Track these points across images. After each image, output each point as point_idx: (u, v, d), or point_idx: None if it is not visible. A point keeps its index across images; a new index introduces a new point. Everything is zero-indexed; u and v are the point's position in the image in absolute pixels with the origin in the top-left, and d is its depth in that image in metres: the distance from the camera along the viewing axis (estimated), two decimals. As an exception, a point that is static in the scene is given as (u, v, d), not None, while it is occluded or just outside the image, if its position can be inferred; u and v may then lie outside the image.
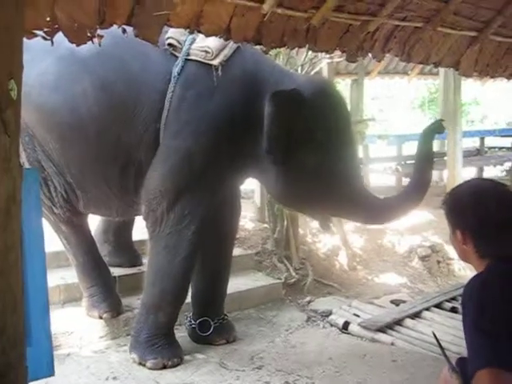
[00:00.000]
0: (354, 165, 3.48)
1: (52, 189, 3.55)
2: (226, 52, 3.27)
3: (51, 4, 2.00)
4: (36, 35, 2.00)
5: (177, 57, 3.29)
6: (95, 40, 2.18)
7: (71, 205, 3.63)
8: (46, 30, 2.03)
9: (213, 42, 3.19)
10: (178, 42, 3.28)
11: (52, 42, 2.07)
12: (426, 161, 3.36)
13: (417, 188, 3.38)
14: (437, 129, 3.34)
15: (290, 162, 3.25)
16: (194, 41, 3.30)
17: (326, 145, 3.25)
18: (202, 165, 3.28)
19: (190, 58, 3.28)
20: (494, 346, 1.57)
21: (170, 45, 3.27)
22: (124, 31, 2.61)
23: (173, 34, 3.25)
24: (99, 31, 2.16)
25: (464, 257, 1.86)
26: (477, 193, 1.83)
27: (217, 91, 3.26)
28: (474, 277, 1.74)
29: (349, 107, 6.91)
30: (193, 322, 3.74)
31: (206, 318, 3.71)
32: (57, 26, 2.05)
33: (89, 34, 2.16)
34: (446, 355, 1.91)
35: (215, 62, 3.24)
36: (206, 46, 3.25)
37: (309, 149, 3.23)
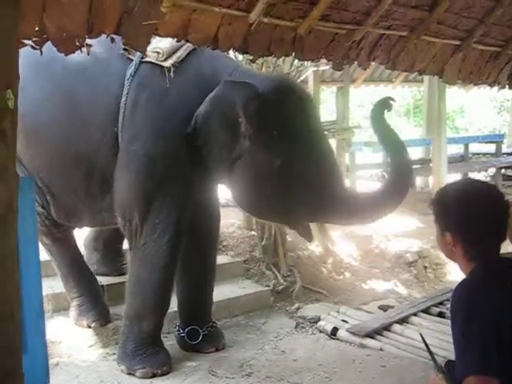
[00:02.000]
0: (328, 163, 3.19)
1: (35, 197, 3.54)
2: (180, 53, 3.21)
3: (40, 14, 2.01)
4: (25, 45, 2.01)
5: (132, 60, 3.26)
6: (84, 49, 2.20)
7: (47, 212, 3.61)
8: (34, 39, 2.04)
9: (165, 44, 3.13)
10: None
11: (41, 52, 2.09)
12: (392, 141, 3.12)
13: (398, 175, 3.09)
14: (384, 106, 3.07)
15: (248, 166, 3.11)
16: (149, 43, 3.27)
17: (290, 144, 3.05)
18: (163, 170, 3.21)
19: (144, 60, 3.23)
20: (481, 353, 1.58)
21: (125, 49, 3.20)
22: (112, 40, 2.63)
23: None
24: (88, 40, 2.17)
25: (450, 257, 1.87)
26: (465, 194, 1.81)
27: (170, 93, 3.19)
28: (462, 282, 1.74)
29: (334, 115, 6.98)
30: (181, 330, 3.73)
31: (195, 326, 3.69)
32: (45, 35, 2.06)
33: (77, 44, 2.17)
34: (432, 355, 1.92)
35: (167, 64, 3.18)
36: (157, 47, 3.17)
37: (269, 150, 3.06)
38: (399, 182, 3.10)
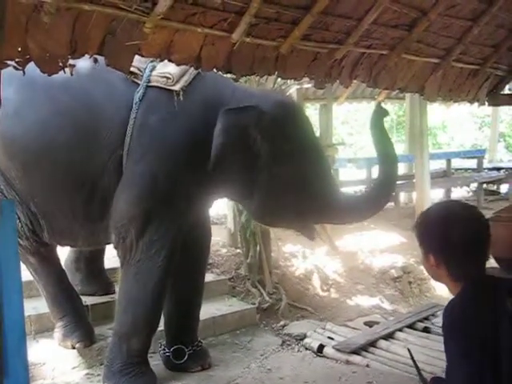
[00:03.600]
0: (328, 171, 3.58)
1: (16, 219, 3.50)
2: (187, 78, 3.30)
3: (23, 35, 2.02)
4: (7, 65, 2.02)
5: (138, 84, 3.31)
6: (67, 70, 2.21)
7: (37, 235, 3.58)
8: (17, 60, 2.04)
9: (173, 69, 3.22)
10: (139, 69, 3.30)
11: (24, 72, 2.09)
12: (386, 152, 3.40)
13: (384, 182, 3.45)
14: (381, 113, 3.34)
15: (266, 181, 3.30)
16: (154, 68, 3.33)
17: (294, 156, 3.30)
18: (167, 190, 3.27)
19: (150, 84, 3.30)
20: (475, 375, 1.59)
21: (130, 72, 3.25)
22: (95, 61, 2.65)
23: (134, 61, 3.26)
24: (70, 61, 2.19)
25: (438, 279, 1.87)
26: (445, 217, 1.82)
27: (178, 116, 3.28)
28: (452, 303, 1.75)
29: (318, 132, 7.04)
30: (167, 350, 3.70)
31: (180, 345, 3.67)
32: (28, 56, 2.07)
33: (60, 64, 2.18)
34: (419, 370, 1.93)
35: (176, 88, 3.26)
36: (167, 72, 3.27)
37: (276, 163, 3.27)
38: (384, 189, 3.48)
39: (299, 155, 3.32)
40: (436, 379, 1.87)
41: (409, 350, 2.24)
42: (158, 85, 3.29)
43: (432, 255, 1.80)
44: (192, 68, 3.03)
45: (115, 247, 3.41)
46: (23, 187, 3.42)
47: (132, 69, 3.25)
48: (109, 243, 3.55)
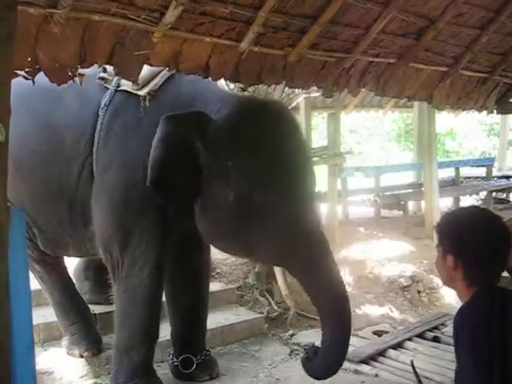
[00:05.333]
0: (300, 197, 2.77)
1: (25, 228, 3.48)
2: (157, 81, 3.08)
3: (33, 45, 2.04)
4: (17, 75, 2.04)
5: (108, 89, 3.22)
6: (76, 79, 2.23)
7: (35, 243, 3.58)
8: (27, 70, 2.06)
9: (142, 71, 2.85)
10: (109, 74, 3.17)
11: (33, 82, 2.11)
12: None
13: None
14: None
15: (208, 199, 2.87)
16: None
17: (250, 174, 2.74)
18: (138, 200, 3.06)
19: (119, 88, 3.17)
20: (485, 380, 1.60)
21: (101, 78, 3.19)
22: (104, 70, 2.66)
23: (109, 68, 3.08)
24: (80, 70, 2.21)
25: (449, 282, 1.87)
26: (474, 221, 1.84)
27: (144, 122, 3.06)
28: (464, 308, 1.76)
29: (326, 141, 7.03)
30: (175, 359, 3.67)
31: (188, 354, 3.63)
32: (38, 66, 2.09)
33: (70, 74, 2.20)
34: (420, 381, 1.93)
35: (142, 93, 3.08)
36: None
37: (225, 181, 2.76)
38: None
39: (256, 175, 2.73)
40: None
41: (412, 361, 2.23)
42: (126, 88, 3.15)
43: (451, 256, 1.80)
44: (164, 71, 2.94)
45: (105, 262, 3.31)
46: (14, 198, 3.34)
47: (103, 74, 3.19)
48: (98, 255, 3.38)
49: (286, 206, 2.71)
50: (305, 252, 2.73)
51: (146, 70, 2.79)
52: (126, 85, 3.11)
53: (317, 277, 2.74)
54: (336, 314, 2.74)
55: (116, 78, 3.12)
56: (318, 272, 2.74)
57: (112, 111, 3.16)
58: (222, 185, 2.78)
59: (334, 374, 2.73)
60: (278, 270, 2.56)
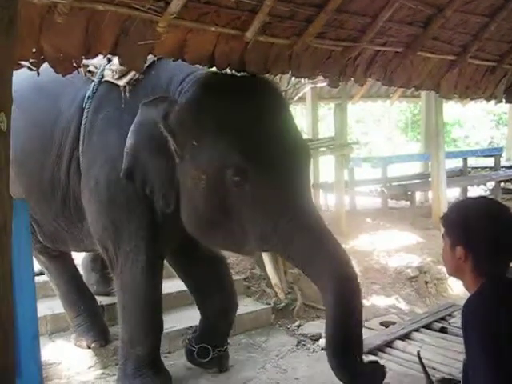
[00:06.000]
0: (280, 179, 2.54)
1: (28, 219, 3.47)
2: None
3: (37, 36, 2.03)
4: (22, 66, 2.03)
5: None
6: (80, 70, 2.22)
7: (36, 237, 3.58)
8: (31, 60, 2.06)
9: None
10: (95, 66, 3.13)
11: (38, 73, 2.10)
12: None
13: None
14: None
15: (183, 187, 2.76)
16: (110, 61, 3.09)
17: (222, 154, 2.57)
18: (121, 195, 3.01)
19: (103, 79, 3.10)
20: (496, 369, 1.59)
21: (88, 71, 3.13)
22: (109, 60, 2.65)
23: (94, 60, 3.04)
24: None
25: (457, 272, 1.85)
26: (488, 211, 1.82)
27: (125, 113, 2.96)
28: (472, 299, 1.75)
29: (333, 131, 7.01)
30: (194, 345, 3.61)
31: (208, 345, 3.58)
32: (42, 56, 2.08)
33: (74, 64, 2.19)
34: (426, 372, 1.92)
35: (121, 83, 3.00)
36: (114, 64, 3.00)
37: (195, 164, 2.65)
38: None
39: (223, 150, 2.55)
40: (447, 380, 1.87)
41: (418, 352, 2.22)
42: (108, 79, 3.08)
43: (461, 248, 1.78)
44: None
45: (104, 257, 3.29)
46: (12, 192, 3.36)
47: (90, 67, 3.14)
48: (97, 250, 3.37)
49: (266, 182, 2.52)
50: (299, 232, 2.51)
51: None
52: (108, 75, 3.05)
53: (320, 257, 2.56)
54: (340, 294, 2.55)
55: (100, 69, 3.08)
56: (320, 252, 2.55)
57: (95, 104, 3.09)
58: (192, 169, 2.65)
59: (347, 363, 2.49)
60: (266, 258, 2.44)
